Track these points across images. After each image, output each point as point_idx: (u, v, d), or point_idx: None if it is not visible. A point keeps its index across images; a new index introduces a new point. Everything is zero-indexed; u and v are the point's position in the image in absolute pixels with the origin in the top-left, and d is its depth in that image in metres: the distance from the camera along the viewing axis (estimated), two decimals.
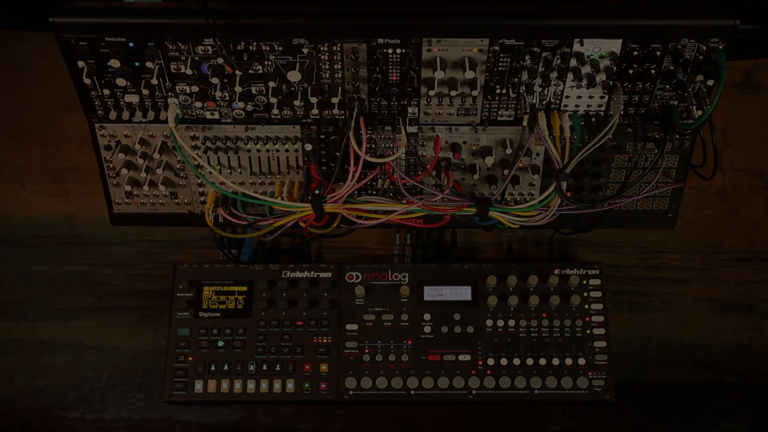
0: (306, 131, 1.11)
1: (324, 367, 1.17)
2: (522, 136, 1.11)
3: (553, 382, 1.16)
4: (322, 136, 1.12)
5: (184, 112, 1.09)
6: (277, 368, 1.17)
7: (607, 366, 1.17)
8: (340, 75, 1.04)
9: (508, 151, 1.11)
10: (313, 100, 1.05)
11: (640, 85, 1.05)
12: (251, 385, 1.16)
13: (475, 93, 1.04)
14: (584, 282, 1.20)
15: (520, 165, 1.12)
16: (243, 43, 1.00)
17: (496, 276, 1.20)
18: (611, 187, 1.18)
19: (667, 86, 1.05)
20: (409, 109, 1.08)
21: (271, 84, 1.03)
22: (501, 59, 1.01)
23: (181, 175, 1.17)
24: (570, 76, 1.03)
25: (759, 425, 1.21)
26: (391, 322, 1.19)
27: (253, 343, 1.18)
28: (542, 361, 1.17)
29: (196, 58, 1.01)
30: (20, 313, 1.28)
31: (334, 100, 1.06)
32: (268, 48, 1.00)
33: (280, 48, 1.01)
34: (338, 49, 1.01)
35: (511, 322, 1.18)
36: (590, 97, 1.07)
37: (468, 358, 1.17)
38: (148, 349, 1.25)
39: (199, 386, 1.16)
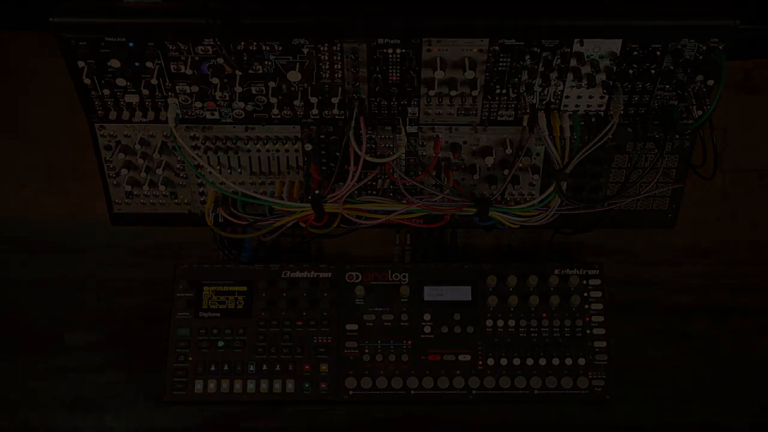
0: (306, 131, 1.11)
1: (324, 367, 1.17)
2: (522, 136, 1.11)
3: (553, 382, 1.16)
4: (322, 136, 1.12)
5: (184, 112, 1.09)
6: (277, 368, 1.17)
7: (607, 366, 1.17)
8: (340, 75, 1.04)
9: (508, 151, 1.11)
10: (313, 100, 1.05)
11: (640, 85, 1.05)
12: (251, 385, 1.16)
13: (475, 93, 1.04)
14: (584, 282, 1.20)
15: (520, 165, 1.12)
16: (243, 43, 1.00)
17: (496, 276, 1.20)
18: (611, 187, 1.17)
19: (667, 86, 1.05)
20: (409, 109, 1.08)
21: (271, 84, 1.03)
22: (501, 59, 1.01)
23: (181, 175, 1.17)
24: (570, 76, 1.03)
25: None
26: (391, 322, 1.19)
27: (253, 343, 1.18)
28: (542, 361, 1.17)
29: (196, 58, 1.01)
30: (20, 313, 1.28)
31: (334, 100, 1.05)
32: (268, 48, 1.00)
33: (280, 48, 1.00)
34: (338, 49, 1.01)
35: (511, 322, 1.18)
36: (590, 97, 1.06)
37: (468, 358, 1.17)
38: (148, 348, 1.25)
39: (199, 386, 1.16)
